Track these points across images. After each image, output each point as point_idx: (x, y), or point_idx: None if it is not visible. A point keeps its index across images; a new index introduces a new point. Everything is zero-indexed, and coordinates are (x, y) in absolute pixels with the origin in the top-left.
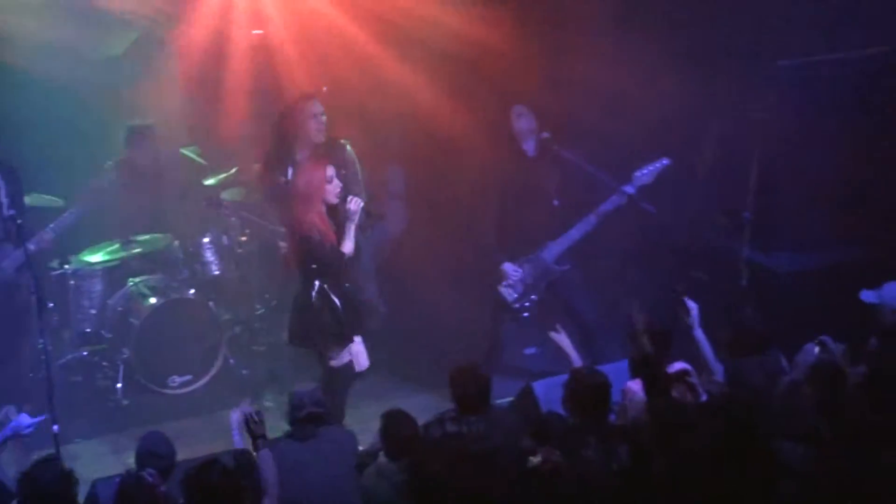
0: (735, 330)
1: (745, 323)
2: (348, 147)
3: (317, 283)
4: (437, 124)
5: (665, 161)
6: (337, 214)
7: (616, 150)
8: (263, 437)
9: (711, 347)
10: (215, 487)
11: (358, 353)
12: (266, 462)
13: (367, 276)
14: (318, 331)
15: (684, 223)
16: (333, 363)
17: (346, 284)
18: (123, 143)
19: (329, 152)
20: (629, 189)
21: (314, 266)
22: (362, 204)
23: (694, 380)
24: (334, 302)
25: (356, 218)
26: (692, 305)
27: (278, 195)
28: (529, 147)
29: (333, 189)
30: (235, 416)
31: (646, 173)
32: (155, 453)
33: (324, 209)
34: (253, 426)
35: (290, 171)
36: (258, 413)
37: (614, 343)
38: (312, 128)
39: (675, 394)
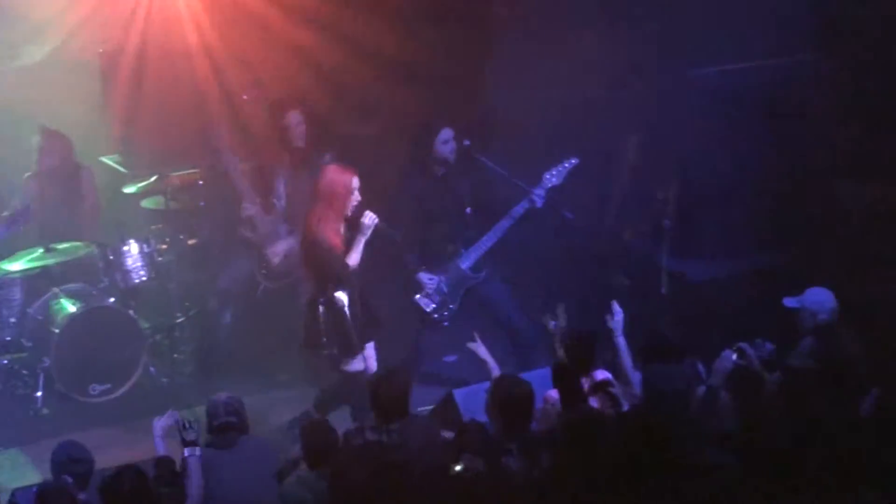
0: (649, 339)
1: (659, 332)
2: (327, 156)
3: (331, 292)
4: (351, 133)
5: (573, 161)
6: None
7: (534, 159)
8: (193, 443)
9: (631, 356)
10: (129, 494)
11: (368, 357)
12: (193, 466)
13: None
14: (326, 338)
15: (605, 229)
16: (345, 368)
17: (353, 292)
18: (35, 150)
19: (307, 161)
20: (539, 191)
21: (320, 273)
22: (377, 221)
23: (616, 390)
24: (342, 311)
25: (368, 233)
26: (618, 310)
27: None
28: (441, 170)
29: (354, 201)
30: (159, 424)
31: (554, 174)
32: (73, 459)
33: (340, 219)
34: (184, 433)
35: (281, 185)
36: (191, 422)
37: (542, 349)
38: (290, 137)
39: (595, 404)
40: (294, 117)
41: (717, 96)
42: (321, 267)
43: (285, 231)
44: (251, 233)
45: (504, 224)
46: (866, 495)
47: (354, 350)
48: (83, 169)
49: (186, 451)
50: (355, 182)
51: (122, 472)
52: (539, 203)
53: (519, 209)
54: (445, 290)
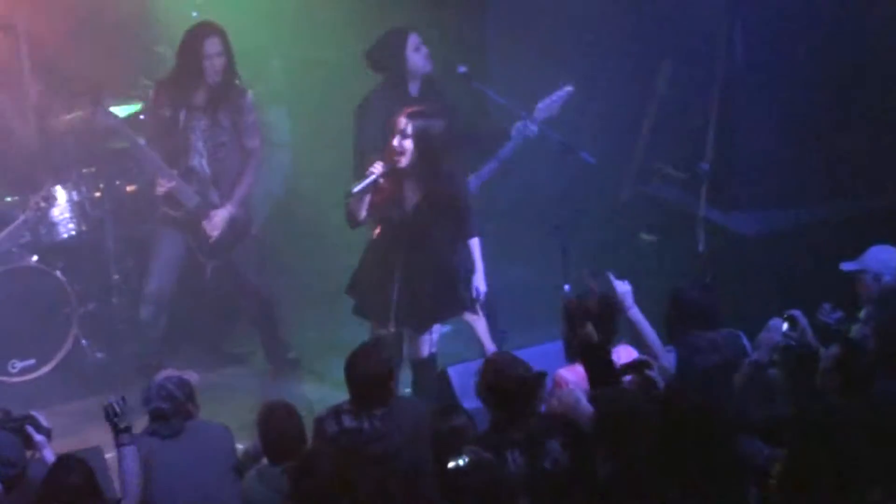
0: (674, 304)
1: (684, 295)
2: (249, 94)
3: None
4: (328, 61)
5: (568, 88)
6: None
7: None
8: (128, 430)
9: (654, 329)
10: (75, 487)
11: (420, 340)
12: (129, 459)
13: (247, 251)
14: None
15: (629, 177)
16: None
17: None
18: None
19: (223, 97)
20: (531, 125)
21: None
22: (374, 173)
23: (653, 373)
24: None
25: (364, 183)
26: (618, 283)
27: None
28: (414, 87)
29: (398, 146)
30: None
31: (548, 104)
32: (4, 459)
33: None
34: (114, 418)
35: (182, 114)
36: (120, 401)
37: (535, 320)
38: (206, 68)
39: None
40: (212, 45)
41: (771, 18)
42: None
43: (217, 196)
44: (177, 212)
45: (491, 167)
46: None
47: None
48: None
49: (122, 439)
50: (399, 122)
51: (63, 462)
52: (519, 137)
53: (507, 151)
54: None
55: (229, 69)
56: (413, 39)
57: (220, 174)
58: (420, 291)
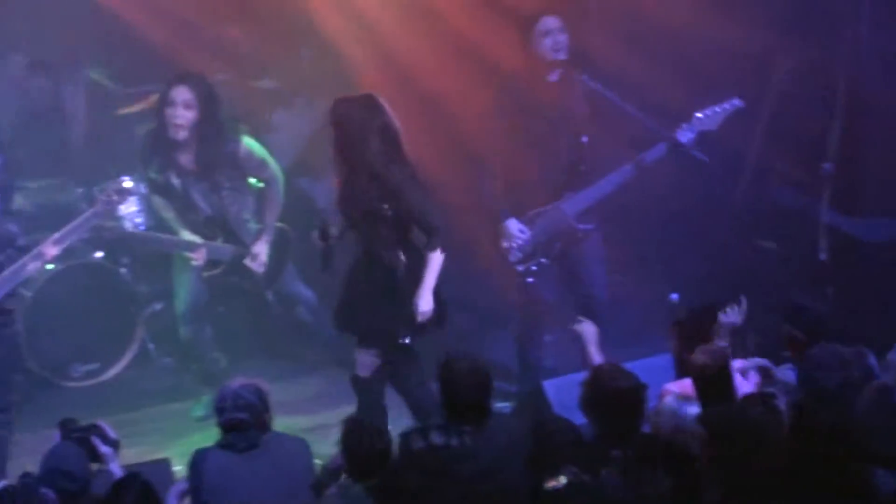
0: (792, 318)
1: (792, 306)
2: (241, 143)
3: None
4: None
5: (737, 102)
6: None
7: (656, 89)
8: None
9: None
10: None
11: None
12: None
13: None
14: None
15: (745, 178)
16: None
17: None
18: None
19: (212, 162)
20: (687, 134)
21: None
22: None
23: (780, 404)
24: None
25: None
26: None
27: None
28: (553, 74)
29: None
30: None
31: (710, 115)
32: (64, 472)
33: None
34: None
35: (173, 179)
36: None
37: (634, 332)
38: (167, 117)
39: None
40: (179, 93)
41: None
42: None
43: (244, 232)
44: (216, 269)
45: (628, 169)
46: None
47: None
48: (69, 89)
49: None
50: None
51: (124, 482)
52: (687, 144)
53: (655, 153)
54: (542, 238)
55: (204, 125)
56: (545, 23)
57: (237, 213)
58: (359, 305)
